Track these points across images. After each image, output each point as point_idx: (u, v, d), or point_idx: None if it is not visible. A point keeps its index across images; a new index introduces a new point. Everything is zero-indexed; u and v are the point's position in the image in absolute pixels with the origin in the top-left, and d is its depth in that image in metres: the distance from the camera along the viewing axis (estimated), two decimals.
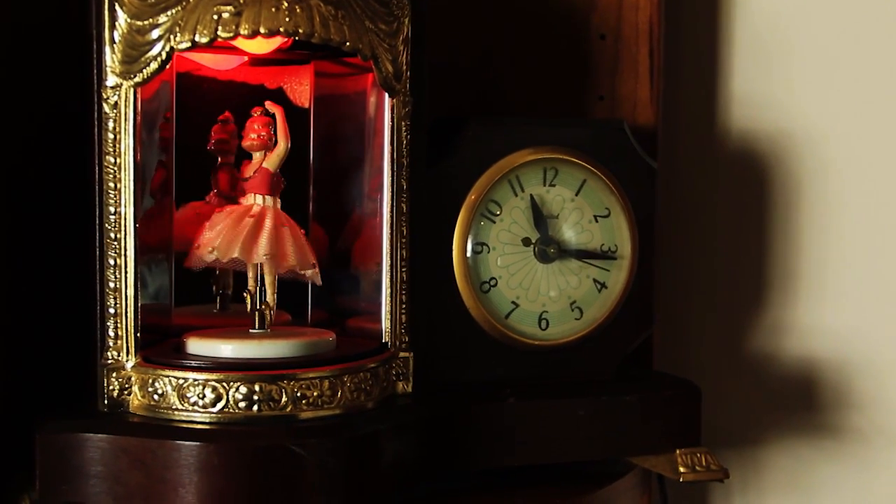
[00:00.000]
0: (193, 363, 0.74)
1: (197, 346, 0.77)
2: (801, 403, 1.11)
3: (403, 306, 0.81)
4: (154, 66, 0.72)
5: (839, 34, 1.09)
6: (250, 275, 0.78)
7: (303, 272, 0.79)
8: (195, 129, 0.84)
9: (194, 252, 0.78)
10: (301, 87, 0.89)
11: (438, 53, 0.85)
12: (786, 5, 1.10)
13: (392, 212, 0.80)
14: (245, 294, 0.78)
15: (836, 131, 1.10)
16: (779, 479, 1.13)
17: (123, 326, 0.74)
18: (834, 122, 1.10)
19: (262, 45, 0.79)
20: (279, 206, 0.79)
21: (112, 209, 0.73)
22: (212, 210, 0.81)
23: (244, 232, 0.77)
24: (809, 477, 1.12)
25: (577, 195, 0.89)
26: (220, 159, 0.85)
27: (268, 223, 0.77)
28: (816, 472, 1.11)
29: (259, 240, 0.77)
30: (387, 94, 0.79)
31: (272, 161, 0.79)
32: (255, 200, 0.79)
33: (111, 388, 0.74)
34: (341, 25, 0.74)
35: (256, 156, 0.79)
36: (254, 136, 0.79)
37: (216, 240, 0.77)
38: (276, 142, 0.79)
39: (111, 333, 0.74)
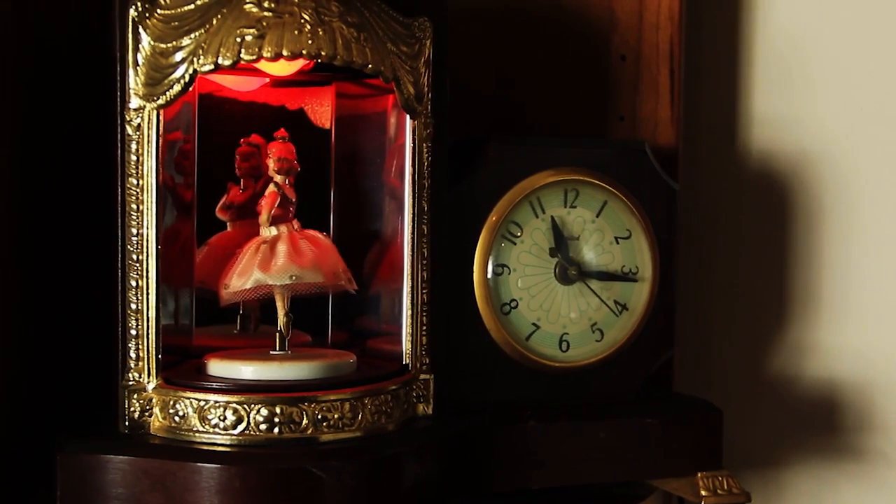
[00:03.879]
0: (214, 385, 0.74)
1: (218, 367, 0.77)
2: (823, 425, 1.10)
3: (424, 328, 0.80)
4: (177, 88, 0.72)
5: (860, 54, 1.09)
6: (280, 300, 0.78)
7: (338, 282, 0.79)
8: (216, 151, 0.85)
9: (221, 291, 0.78)
10: (322, 108, 0.89)
11: (459, 75, 0.85)
12: (806, 25, 1.10)
13: (413, 233, 0.80)
14: (284, 318, 0.78)
15: (857, 151, 1.09)
16: (801, 502, 1.12)
17: (145, 348, 0.74)
18: (855, 141, 1.09)
19: (284, 68, 0.79)
20: (298, 225, 0.80)
21: (134, 231, 0.74)
22: (226, 241, 0.81)
23: (260, 258, 0.77)
24: (832, 500, 1.11)
25: (597, 216, 0.89)
26: (242, 182, 0.86)
27: (293, 244, 0.78)
28: (839, 495, 1.10)
29: (276, 261, 0.77)
30: (408, 116, 0.79)
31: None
32: (271, 232, 0.79)
33: (132, 409, 0.74)
34: (363, 48, 0.74)
35: (279, 178, 0.79)
36: (284, 159, 0.79)
37: (235, 275, 0.77)
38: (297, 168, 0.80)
39: (132, 355, 0.74)
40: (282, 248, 0.77)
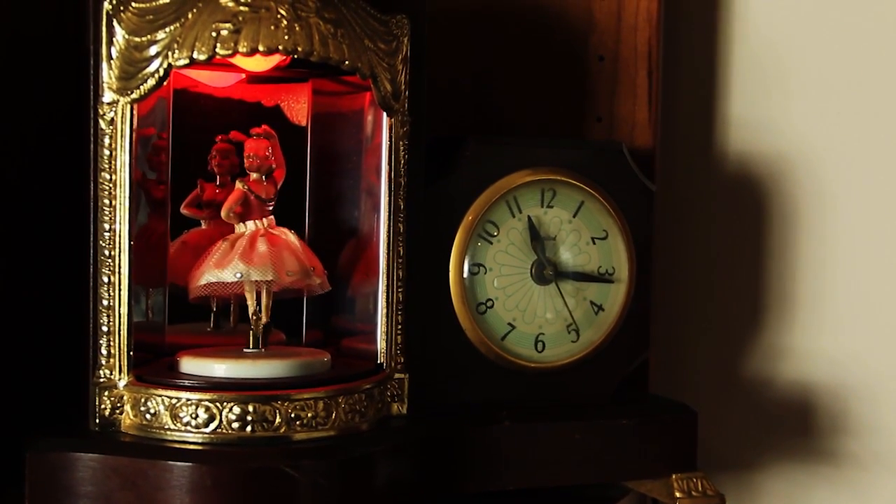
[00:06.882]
0: (186, 383, 0.73)
1: (190, 365, 0.76)
2: (797, 428, 1.10)
3: (399, 327, 0.80)
4: (151, 82, 0.72)
5: (836, 58, 1.09)
6: (250, 298, 0.77)
7: (308, 283, 0.78)
8: (191, 146, 0.84)
9: (190, 287, 0.77)
10: (298, 105, 0.88)
11: (437, 73, 0.85)
12: (784, 29, 1.10)
13: (389, 232, 0.79)
14: (252, 317, 0.77)
15: (833, 154, 1.09)
16: None
17: (116, 345, 0.73)
18: (831, 145, 1.09)
19: (260, 63, 0.78)
20: (271, 223, 0.79)
21: (107, 226, 0.73)
22: (201, 238, 0.81)
23: (218, 255, 0.77)
24: (805, 502, 1.11)
25: (574, 217, 0.89)
26: (218, 179, 0.85)
27: (250, 242, 0.77)
28: (812, 498, 1.11)
29: (230, 258, 0.76)
30: (385, 114, 0.78)
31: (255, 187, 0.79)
32: (248, 227, 0.78)
33: (103, 406, 0.73)
34: (340, 44, 0.73)
35: (253, 176, 0.79)
36: (253, 156, 0.78)
37: (197, 272, 0.77)
38: (275, 165, 0.79)
39: (104, 352, 0.73)
40: (239, 246, 0.77)
